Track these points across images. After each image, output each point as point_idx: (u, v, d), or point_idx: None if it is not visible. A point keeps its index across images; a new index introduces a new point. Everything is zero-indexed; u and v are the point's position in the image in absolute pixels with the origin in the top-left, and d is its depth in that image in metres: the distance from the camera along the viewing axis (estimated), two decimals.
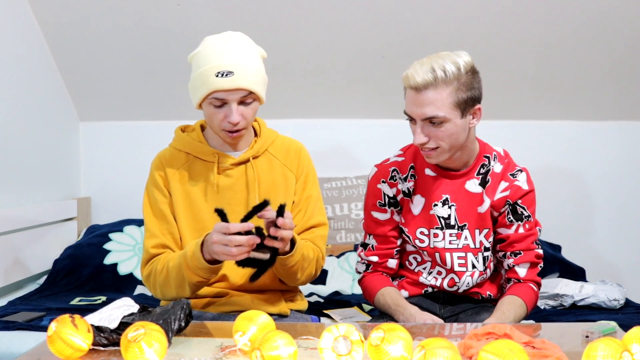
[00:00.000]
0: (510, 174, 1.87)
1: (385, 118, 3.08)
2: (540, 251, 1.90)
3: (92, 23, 2.82)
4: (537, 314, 2.33)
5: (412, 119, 1.77)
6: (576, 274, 2.78)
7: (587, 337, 1.43)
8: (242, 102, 1.71)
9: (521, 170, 1.89)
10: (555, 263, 2.79)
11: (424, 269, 1.92)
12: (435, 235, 1.87)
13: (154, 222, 1.81)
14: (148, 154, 3.10)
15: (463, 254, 1.87)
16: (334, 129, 3.16)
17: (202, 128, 1.88)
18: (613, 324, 1.48)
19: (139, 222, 2.94)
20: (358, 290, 2.69)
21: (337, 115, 3.16)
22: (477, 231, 1.87)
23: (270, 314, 1.75)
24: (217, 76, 1.66)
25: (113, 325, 1.32)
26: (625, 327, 1.40)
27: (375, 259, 1.93)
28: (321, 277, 2.74)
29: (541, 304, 2.44)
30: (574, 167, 3.16)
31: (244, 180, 1.81)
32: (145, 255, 1.79)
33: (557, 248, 2.95)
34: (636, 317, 2.24)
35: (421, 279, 1.92)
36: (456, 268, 1.88)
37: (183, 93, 3.02)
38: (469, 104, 1.74)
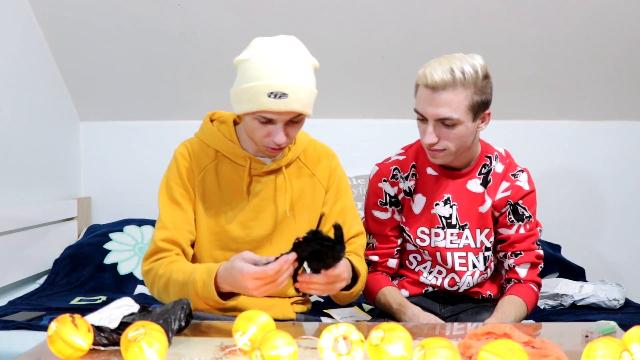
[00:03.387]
0: (511, 174, 1.88)
1: (385, 118, 3.08)
2: (541, 252, 1.90)
3: (93, 23, 2.82)
4: (536, 314, 2.33)
5: (422, 118, 1.74)
6: (576, 273, 2.78)
7: (586, 336, 1.43)
8: (290, 121, 1.60)
9: (522, 171, 1.90)
10: (555, 263, 2.79)
11: (424, 268, 1.92)
12: (437, 235, 1.87)
13: (168, 213, 1.69)
14: (148, 154, 3.14)
15: (464, 254, 1.88)
16: (334, 129, 3.15)
17: (235, 122, 1.76)
18: (613, 323, 1.48)
19: (139, 222, 2.94)
20: None
21: (337, 115, 3.15)
22: (478, 231, 1.87)
23: (277, 320, 1.75)
24: (269, 97, 1.53)
25: (113, 325, 1.32)
26: (625, 327, 1.40)
27: (375, 258, 1.93)
28: None
29: (541, 303, 2.44)
30: (573, 167, 3.16)
31: (273, 187, 1.74)
32: (153, 246, 1.67)
33: (557, 248, 2.95)
34: (636, 317, 2.24)
35: (421, 279, 1.92)
36: (457, 268, 1.88)
37: (183, 92, 3.05)
38: (481, 108, 1.73)
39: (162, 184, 1.74)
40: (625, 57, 2.91)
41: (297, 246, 1.42)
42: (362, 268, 1.73)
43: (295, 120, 1.61)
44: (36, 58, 2.83)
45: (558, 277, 2.73)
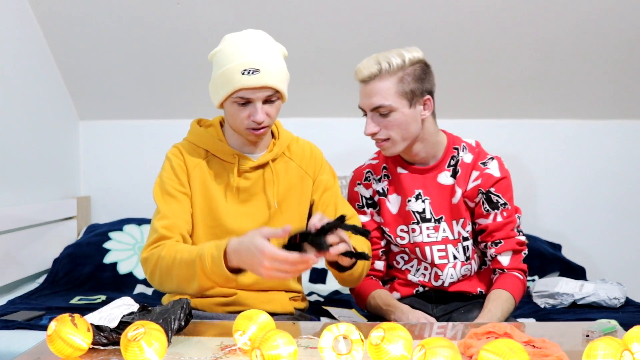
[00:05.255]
0: (480, 163, 1.88)
1: None
2: (522, 238, 1.90)
3: (92, 21, 2.82)
4: (537, 313, 2.33)
5: (364, 114, 1.82)
6: (576, 272, 2.78)
7: (587, 336, 1.43)
8: (266, 101, 1.68)
9: (492, 159, 1.90)
10: (556, 262, 2.79)
11: (412, 267, 1.94)
12: (413, 231, 1.89)
13: (165, 205, 1.72)
14: (148, 153, 3.14)
15: (443, 247, 1.89)
16: (334, 128, 3.15)
17: (221, 125, 1.83)
18: (613, 322, 1.48)
19: (139, 221, 2.94)
20: None
21: (336, 114, 3.15)
22: (454, 222, 1.89)
23: (277, 313, 1.76)
24: (243, 74, 1.63)
25: (113, 324, 1.32)
26: (626, 326, 1.40)
27: None
28: (321, 276, 2.74)
29: (541, 302, 2.44)
30: (573, 165, 3.16)
31: (262, 182, 1.79)
32: (154, 235, 1.67)
33: (558, 247, 2.95)
34: (636, 316, 2.24)
35: (409, 277, 1.94)
36: (437, 261, 1.89)
37: (183, 91, 3.05)
38: (416, 94, 1.78)
39: (156, 183, 1.78)
40: (625, 56, 2.91)
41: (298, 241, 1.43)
42: (365, 246, 1.76)
43: (271, 99, 1.68)
44: (35, 57, 2.83)
45: (558, 276, 2.73)
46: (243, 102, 1.67)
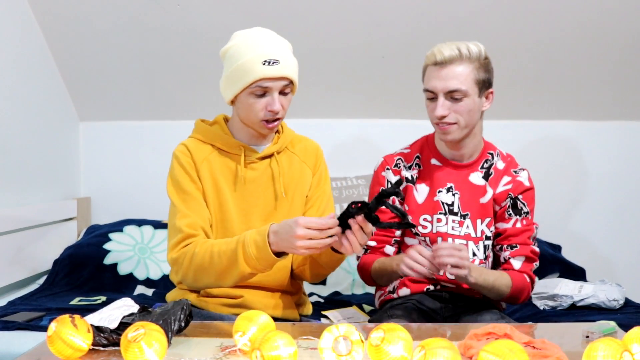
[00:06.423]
0: (512, 170, 1.95)
1: (385, 118, 3.08)
2: (537, 248, 1.94)
3: (92, 22, 2.82)
4: (536, 315, 2.33)
5: (432, 97, 1.83)
6: (576, 274, 2.78)
7: (587, 337, 1.43)
8: (281, 92, 1.73)
9: (523, 169, 1.97)
10: (555, 263, 2.79)
11: None
12: (439, 220, 1.91)
13: (183, 204, 1.75)
14: (148, 154, 3.14)
15: (464, 242, 1.91)
16: (334, 128, 3.15)
17: (225, 120, 1.87)
18: (613, 324, 1.48)
19: (139, 222, 2.94)
20: (358, 290, 2.70)
21: (336, 115, 3.15)
22: (479, 221, 1.92)
23: (282, 319, 1.76)
24: (264, 64, 1.68)
25: (113, 325, 1.32)
26: (625, 327, 1.40)
27: (373, 243, 1.97)
28: None
29: (541, 304, 2.44)
30: (573, 167, 3.16)
31: (269, 173, 1.82)
32: (179, 235, 1.71)
33: (557, 248, 2.95)
34: (636, 317, 2.24)
35: None
36: None
37: (183, 92, 3.05)
38: (485, 85, 1.85)
39: (169, 183, 1.80)
40: (624, 58, 2.91)
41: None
42: None
43: (285, 91, 1.74)
44: (36, 58, 2.83)
45: (558, 277, 2.73)
46: (261, 92, 1.71)
